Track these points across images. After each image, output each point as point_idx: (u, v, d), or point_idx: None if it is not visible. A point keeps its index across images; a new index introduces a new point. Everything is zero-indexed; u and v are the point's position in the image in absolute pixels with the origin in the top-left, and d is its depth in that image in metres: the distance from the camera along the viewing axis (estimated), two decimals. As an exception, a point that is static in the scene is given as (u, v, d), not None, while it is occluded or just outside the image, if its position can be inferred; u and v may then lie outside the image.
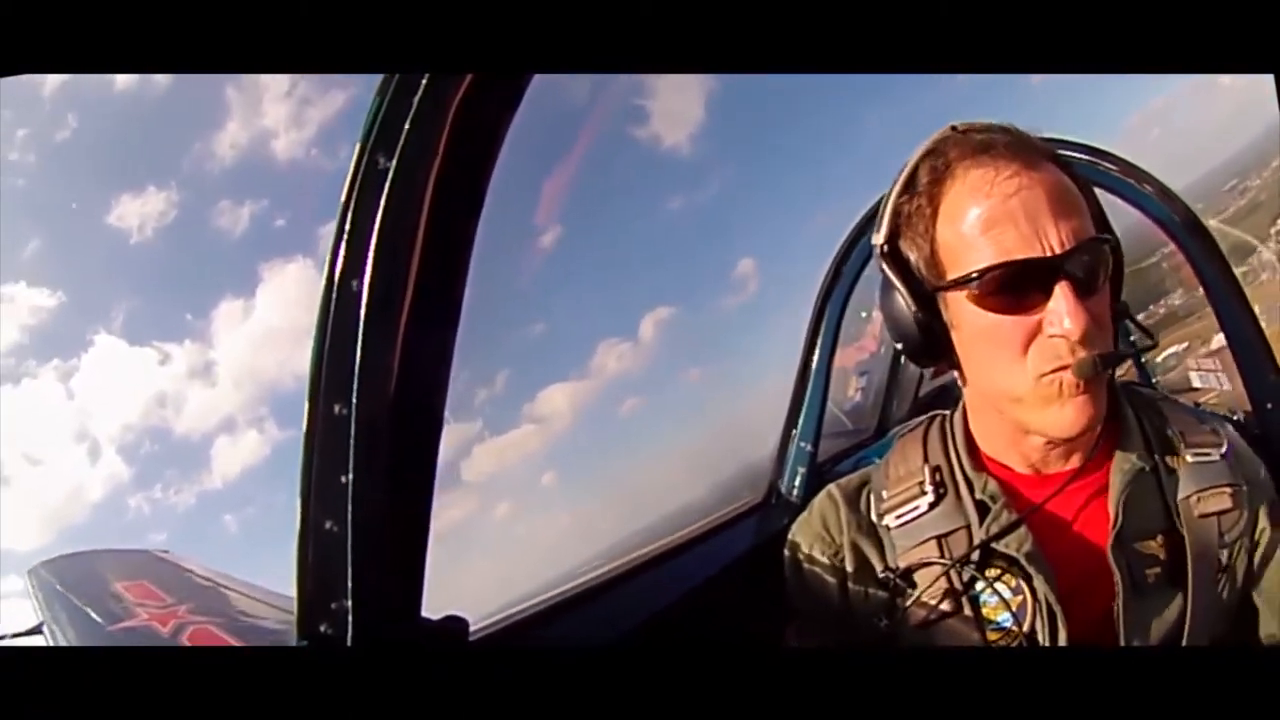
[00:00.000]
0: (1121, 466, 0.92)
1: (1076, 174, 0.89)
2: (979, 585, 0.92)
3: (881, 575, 0.97)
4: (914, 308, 0.90)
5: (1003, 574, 0.91)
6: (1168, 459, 0.94)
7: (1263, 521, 0.95)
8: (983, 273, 0.83)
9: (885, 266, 0.92)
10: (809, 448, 1.56)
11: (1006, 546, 0.91)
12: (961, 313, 0.88)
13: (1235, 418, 1.77)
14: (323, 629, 0.63)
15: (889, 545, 0.98)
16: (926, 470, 0.98)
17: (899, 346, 0.94)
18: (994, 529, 0.92)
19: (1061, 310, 0.80)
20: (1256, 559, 0.95)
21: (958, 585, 0.92)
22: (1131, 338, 1.05)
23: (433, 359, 0.65)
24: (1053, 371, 0.83)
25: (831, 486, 1.07)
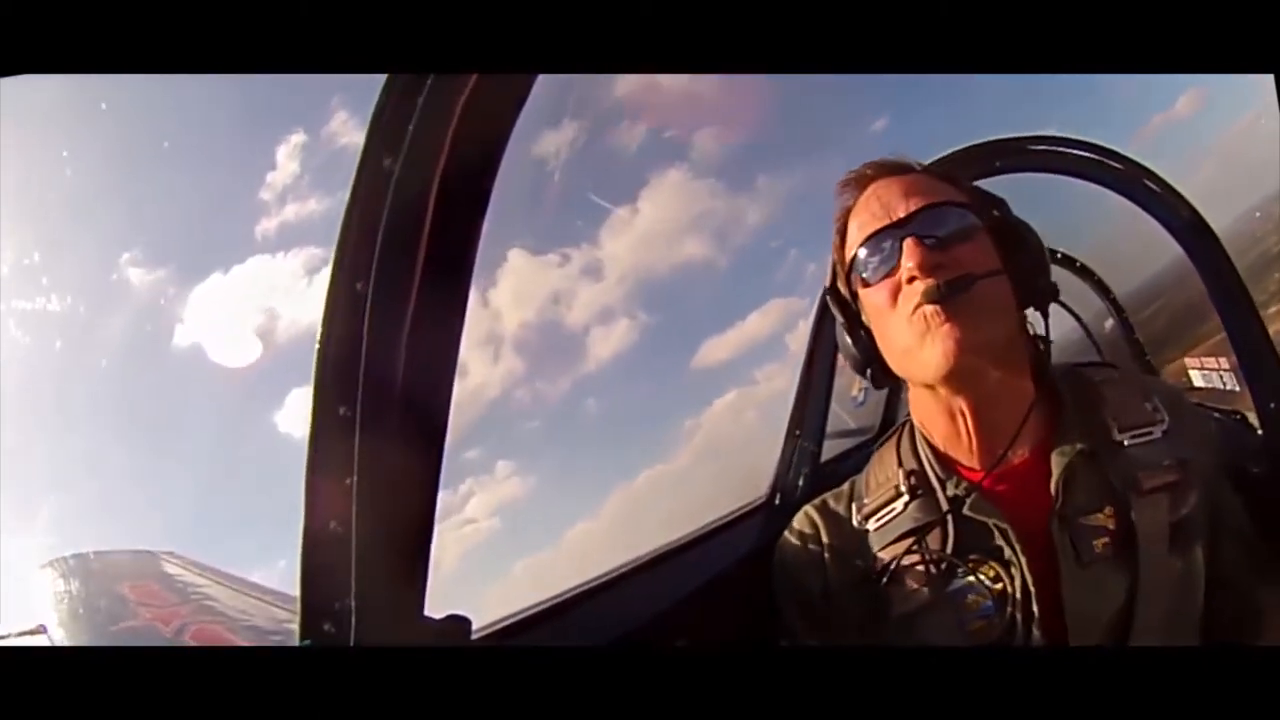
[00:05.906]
0: (1061, 449, 0.95)
1: (964, 185, 1.01)
2: (959, 574, 0.95)
3: (865, 577, 1.01)
4: (855, 331, 1.02)
5: (980, 565, 0.95)
6: (1107, 442, 0.97)
7: (1214, 495, 0.96)
8: (854, 255, 0.97)
9: (830, 304, 1.05)
10: (812, 447, 1.55)
11: (982, 538, 0.95)
12: (865, 308, 1.00)
13: (1237, 417, 1.76)
14: (326, 628, 0.63)
15: (871, 547, 1.02)
16: (901, 474, 1.03)
17: (863, 376, 1.03)
18: (965, 522, 0.96)
19: (906, 257, 0.91)
20: (1208, 531, 0.95)
21: (936, 574, 0.96)
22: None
23: (437, 360, 0.65)
24: (914, 310, 0.91)
25: (808, 506, 1.13)
